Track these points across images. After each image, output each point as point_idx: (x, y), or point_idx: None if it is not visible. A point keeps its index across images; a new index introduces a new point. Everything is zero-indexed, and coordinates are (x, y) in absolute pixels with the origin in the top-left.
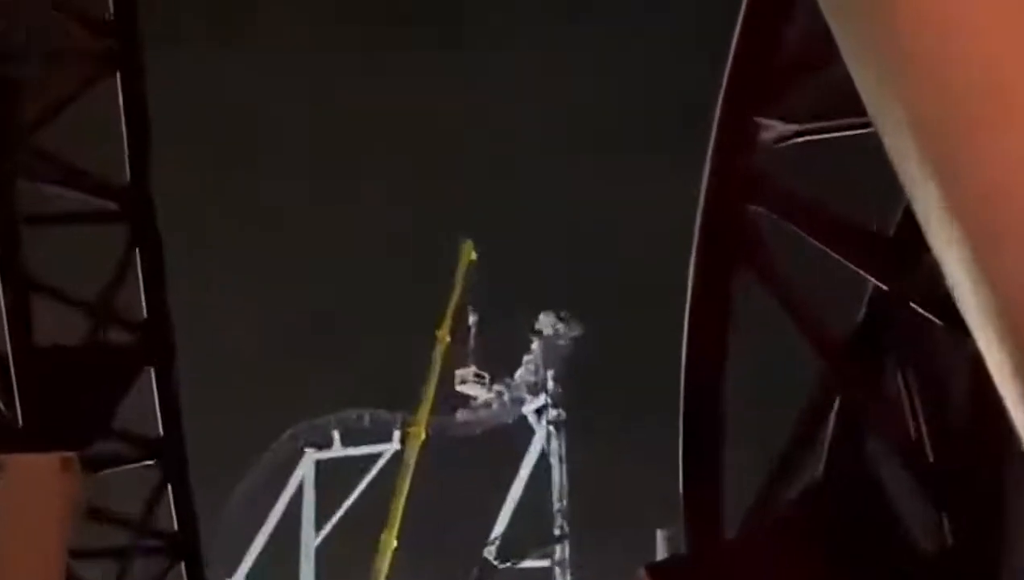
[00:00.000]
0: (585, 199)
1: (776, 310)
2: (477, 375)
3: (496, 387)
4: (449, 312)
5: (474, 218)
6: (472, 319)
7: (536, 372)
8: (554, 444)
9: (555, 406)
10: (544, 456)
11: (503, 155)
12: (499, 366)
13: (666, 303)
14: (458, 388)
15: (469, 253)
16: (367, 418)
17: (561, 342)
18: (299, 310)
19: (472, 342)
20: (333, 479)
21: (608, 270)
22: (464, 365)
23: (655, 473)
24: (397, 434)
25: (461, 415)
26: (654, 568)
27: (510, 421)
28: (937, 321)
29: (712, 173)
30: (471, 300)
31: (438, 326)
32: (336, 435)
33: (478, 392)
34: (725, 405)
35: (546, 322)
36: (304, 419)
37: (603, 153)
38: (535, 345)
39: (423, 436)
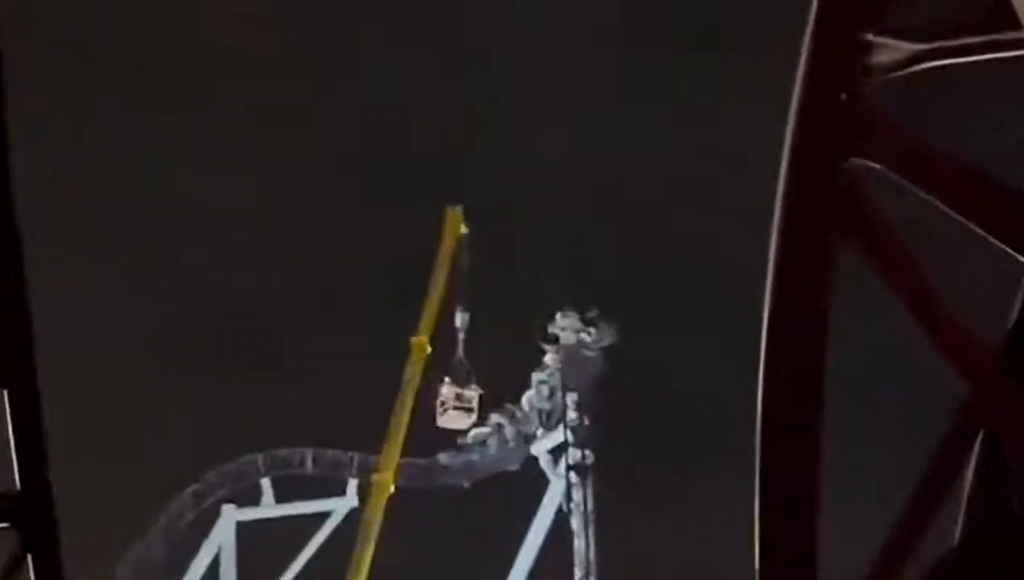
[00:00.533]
0: (626, 143)
1: (890, 308)
2: (468, 400)
3: (495, 418)
4: (428, 310)
5: (462, 173)
6: (461, 320)
7: (551, 397)
8: (577, 499)
9: (578, 445)
10: (562, 516)
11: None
12: (499, 388)
13: (737, 300)
14: (440, 420)
15: (456, 225)
16: (310, 461)
17: (587, 354)
18: (210, 309)
19: (461, 353)
20: (263, 550)
21: (656, 252)
22: (450, 386)
23: (717, 542)
24: (354, 484)
25: (445, 458)
26: None
27: (515, 466)
28: None
29: (801, 114)
30: (459, 293)
31: (415, 331)
32: (266, 486)
33: (469, 424)
34: (821, 445)
35: (566, 325)
36: (218, 463)
37: (654, 77)
38: (550, 358)
39: (391, 488)
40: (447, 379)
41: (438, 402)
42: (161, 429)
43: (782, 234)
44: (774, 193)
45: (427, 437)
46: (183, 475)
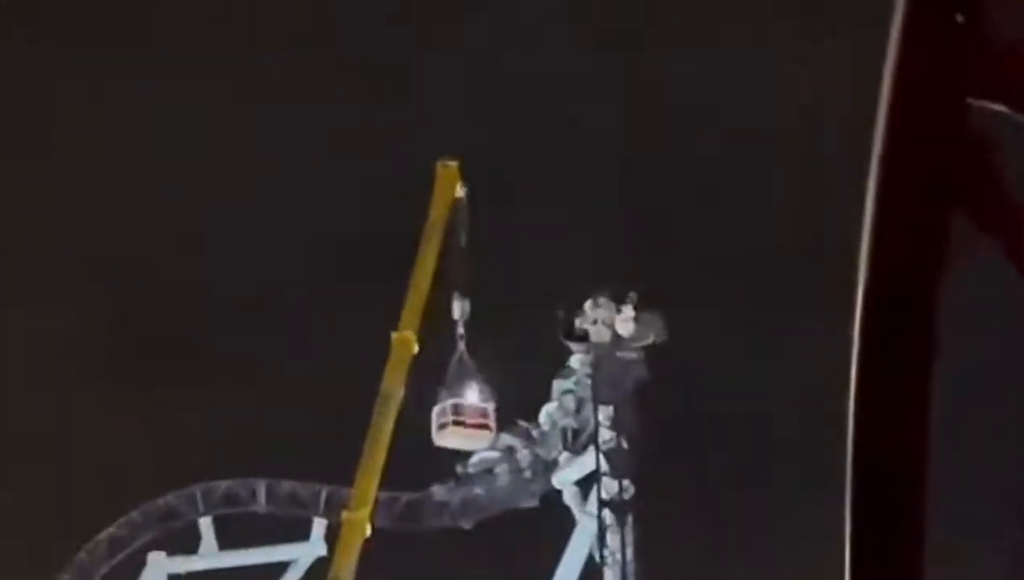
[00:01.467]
0: (677, 89)
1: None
2: (477, 414)
3: (505, 439)
4: (414, 297)
5: (460, 120)
6: (459, 309)
7: (579, 411)
8: (612, 545)
9: (614, 475)
10: (593, 567)
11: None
12: (510, 400)
13: (820, 286)
14: (438, 438)
15: (451, 184)
16: (262, 495)
17: (626, 356)
18: (130, 300)
19: (462, 350)
20: None
21: (715, 222)
22: (449, 394)
23: None
24: (320, 526)
25: (440, 492)
26: None
27: (531, 503)
28: None
29: (902, 43)
30: (456, 274)
31: (396, 324)
32: (206, 528)
33: (472, 444)
34: (927, 477)
35: (599, 317)
36: (142, 499)
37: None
38: (578, 361)
39: (367, 530)
40: (445, 386)
41: (434, 416)
42: (66, 454)
43: (878, 198)
44: (853, 146)
45: (416, 464)
46: (96, 514)
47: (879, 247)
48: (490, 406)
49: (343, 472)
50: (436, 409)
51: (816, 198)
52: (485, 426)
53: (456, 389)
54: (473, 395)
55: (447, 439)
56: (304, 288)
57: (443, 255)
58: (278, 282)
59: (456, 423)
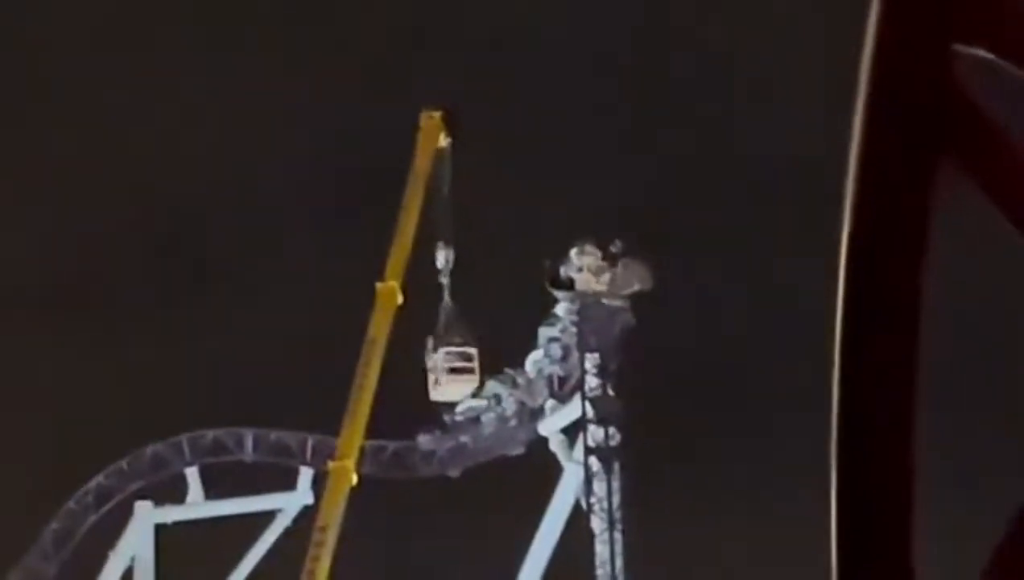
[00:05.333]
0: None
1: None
2: (465, 357)
3: (492, 387)
4: (398, 246)
5: (442, 67)
6: (443, 258)
7: (565, 359)
8: (599, 492)
9: (600, 423)
10: (580, 514)
11: None
12: (496, 348)
13: (808, 229)
14: (435, 393)
15: (435, 134)
16: (249, 444)
17: (612, 303)
18: (109, 231)
19: (445, 303)
20: (189, 560)
21: (703, 163)
22: (439, 344)
23: (778, 550)
24: (307, 475)
25: (426, 441)
26: None
27: (518, 450)
28: None
29: None
30: (440, 224)
31: (380, 274)
32: (193, 477)
33: (456, 393)
34: (916, 439)
35: (584, 265)
36: (128, 448)
37: None
38: (563, 309)
39: (354, 479)
40: (432, 338)
41: (428, 370)
42: (48, 402)
43: (862, 148)
44: (845, 79)
45: (403, 413)
46: (82, 465)
47: (863, 199)
48: (474, 350)
49: (329, 422)
50: (429, 363)
51: (808, 136)
52: (469, 370)
53: (445, 337)
54: (457, 341)
55: (444, 392)
56: (287, 237)
57: (426, 203)
58: (261, 230)
59: (452, 371)
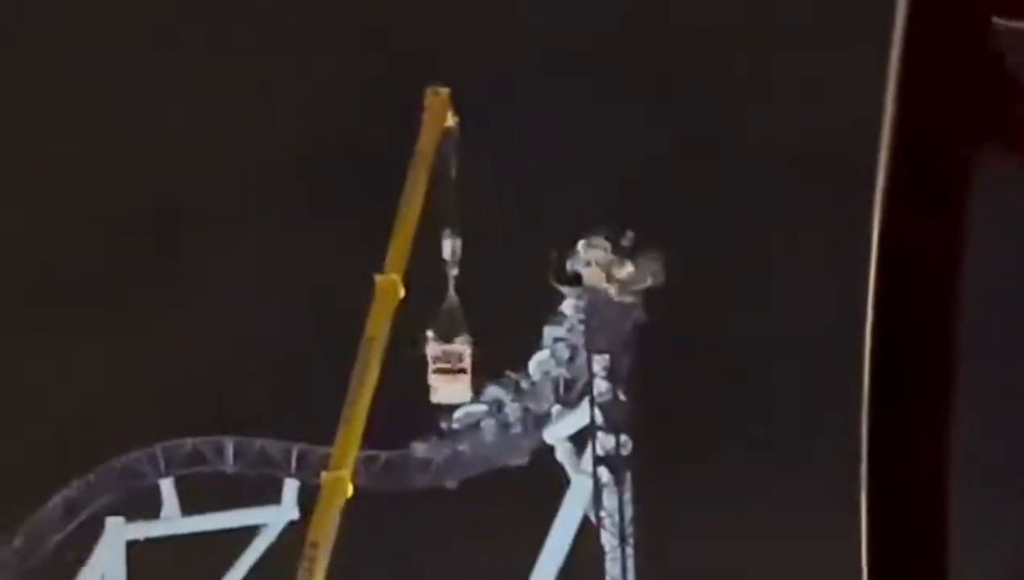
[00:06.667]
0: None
1: None
2: (455, 358)
3: (493, 391)
4: (400, 235)
5: (451, 42)
6: (450, 248)
7: (572, 360)
8: (609, 505)
9: (611, 430)
10: (589, 528)
11: None
12: (498, 348)
13: (839, 219)
14: (436, 395)
15: (441, 112)
16: (230, 454)
17: (623, 300)
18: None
19: (452, 294)
20: (164, 579)
21: (723, 150)
22: (437, 341)
23: (806, 571)
24: (293, 487)
25: (423, 449)
26: None
27: (521, 460)
28: None
29: None
30: (446, 211)
31: (380, 266)
32: (168, 490)
33: (457, 396)
34: (952, 443)
35: (593, 259)
36: (98, 458)
37: None
38: (571, 306)
39: (348, 491)
40: (430, 333)
41: (429, 369)
42: (8, 408)
43: (895, 132)
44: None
45: (396, 419)
46: (47, 477)
47: (896, 187)
48: (466, 350)
49: (317, 429)
50: (430, 359)
51: (835, 122)
52: (460, 370)
53: (444, 334)
54: (464, 344)
55: (438, 394)
56: (275, 224)
57: (432, 190)
58: (244, 216)
59: (439, 371)
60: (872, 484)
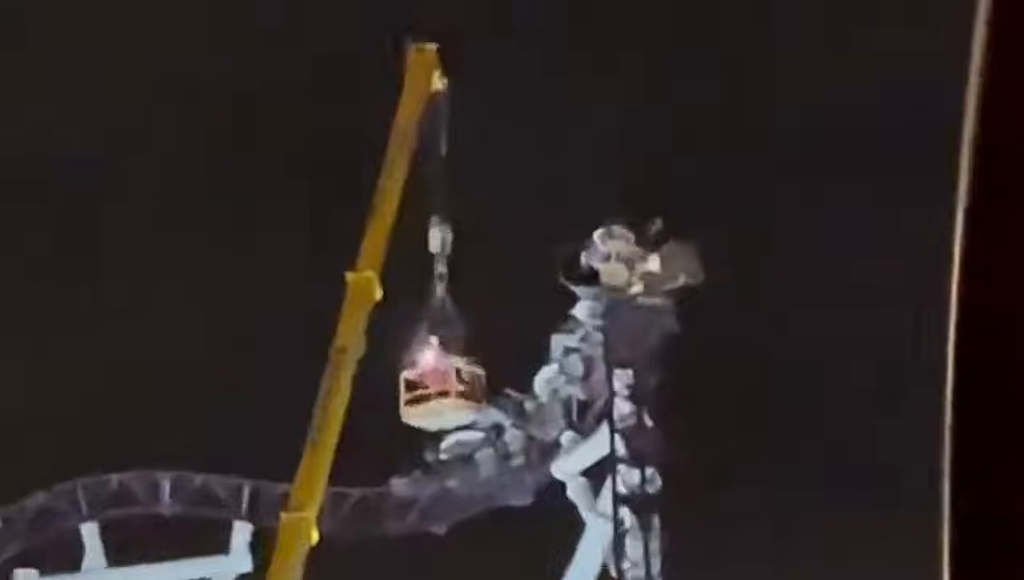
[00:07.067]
0: None
1: None
2: (461, 379)
3: (490, 413)
4: (378, 222)
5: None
6: (439, 239)
7: (587, 377)
8: (633, 554)
9: (634, 461)
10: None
11: None
12: (496, 362)
13: (899, 204)
14: (409, 414)
15: (426, 73)
16: (166, 491)
17: (649, 303)
18: None
19: (441, 295)
20: None
21: (768, 125)
22: (427, 350)
23: None
24: (245, 532)
25: (404, 486)
26: None
27: (524, 500)
28: None
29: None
30: (434, 196)
31: (352, 262)
32: (90, 535)
33: (431, 420)
34: None
35: (613, 251)
36: (8, 499)
37: None
38: (585, 310)
39: (314, 537)
40: (416, 344)
41: (402, 382)
42: None
43: (982, 102)
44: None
45: (371, 449)
46: None
47: (984, 165)
48: (450, 363)
49: (274, 461)
50: (404, 374)
51: (896, 89)
52: (443, 393)
53: (434, 342)
54: (459, 356)
55: (421, 414)
56: (219, 211)
57: (415, 169)
58: (180, 199)
59: (440, 395)
60: (956, 535)
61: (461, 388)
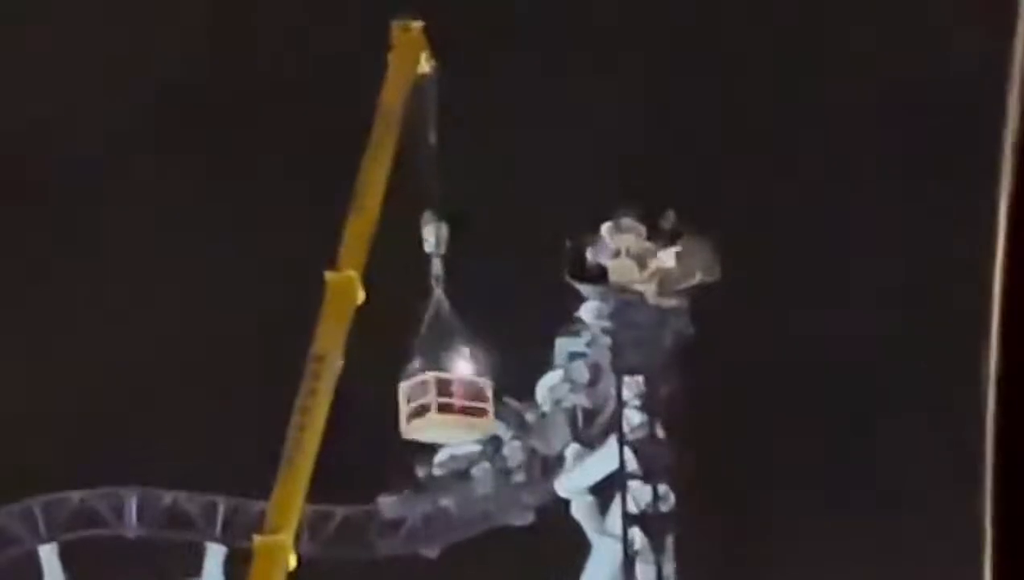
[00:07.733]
0: None
1: None
2: (469, 392)
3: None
4: (360, 217)
5: None
6: (433, 235)
7: (594, 384)
8: (644, 576)
9: (646, 477)
10: None
11: None
12: (495, 366)
13: (936, 195)
14: (409, 429)
15: (413, 53)
16: (132, 510)
17: (663, 303)
18: None
19: (437, 301)
20: None
21: (792, 106)
22: (422, 365)
23: None
24: (219, 554)
25: (392, 505)
26: None
27: (525, 518)
28: None
29: None
30: (425, 185)
31: (330, 261)
32: (48, 559)
33: (460, 436)
34: None
35: (623, 246)
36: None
37: None
38: (591, 311)
39: (292, 561)
40: (418, 352)
41: (402, 395)
42: None
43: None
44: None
45: (357, 465)
46: None
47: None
48: (487, 382)
49: (250, 477)
50: (406, 385)
51: (935, 69)
52: (481, 411)
53: (435, 355)
54: (463, 365)
55: (426, 430)
56: (185, 202)
57: (402, 157)
58: (145, 190)
59: (443, 408)
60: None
61: (481, 405)
